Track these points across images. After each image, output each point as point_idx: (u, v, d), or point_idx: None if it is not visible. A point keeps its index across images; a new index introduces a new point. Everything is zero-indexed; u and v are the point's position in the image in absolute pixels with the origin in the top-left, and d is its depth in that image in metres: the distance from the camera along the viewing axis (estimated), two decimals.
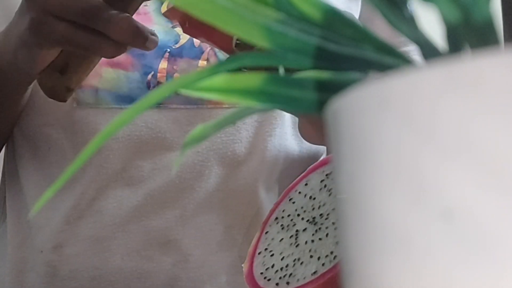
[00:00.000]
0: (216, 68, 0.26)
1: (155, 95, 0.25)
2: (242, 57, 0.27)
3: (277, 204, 0.51)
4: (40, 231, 0.78)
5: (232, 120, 0.29)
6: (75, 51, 0.62)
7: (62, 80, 0.64)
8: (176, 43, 0.78)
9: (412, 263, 0.21)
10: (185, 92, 0.28)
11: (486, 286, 0.20)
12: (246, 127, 0.80)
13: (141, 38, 0.59)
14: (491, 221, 0.20)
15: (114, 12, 0.58)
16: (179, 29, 0.78)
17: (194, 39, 0.78)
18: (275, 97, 0.27)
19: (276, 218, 0.50)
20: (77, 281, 0.77)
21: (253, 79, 0.27)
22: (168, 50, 0.77)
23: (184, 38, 0.78)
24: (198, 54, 0.78)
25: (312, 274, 0.46)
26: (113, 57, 0.61)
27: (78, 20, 0.59)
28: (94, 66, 0.65)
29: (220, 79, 0.27)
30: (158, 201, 0.78)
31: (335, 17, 0.27)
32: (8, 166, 0.84)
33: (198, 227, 0.78)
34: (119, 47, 0.60)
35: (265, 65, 0.28)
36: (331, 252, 0.46)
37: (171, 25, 0.78)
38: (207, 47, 0.77)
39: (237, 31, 0.27)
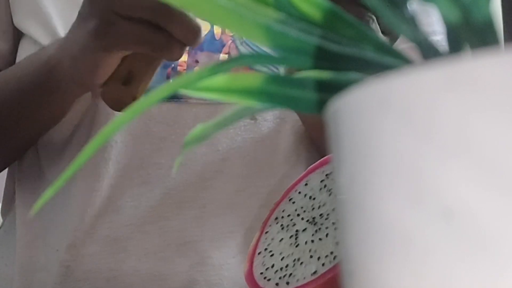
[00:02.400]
0: (216, 68, 0.26)
1: (155, 94, 0.25)
2: (242, 57, 0.27)
3: (277, 204, 0.51)
4: (55, 230, 0.76)
5: (232, 120, 0.29)
6: (140, 56, 0.60)
7: (128, 90, 0.61)
8: None
9: (412, 263, 0.21)
10: (186, 91, 0.28)
11: (486, 286, 0.20)
12: (268, 124, 0.77)
13: (200, 40, 0.58)
14: (491, 220, 0.20)
15: (182, 11, 0.56)
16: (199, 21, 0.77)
17: (215, 32, 0.76)
18: (275, 97, 0.27)
19: (276, 218, 0.50)
20: (91, 282, 0.74)
21: (253, 79, 0.27)
22: None
23: (205, 30, 0.77)
24: (219, 47, 0.76)
25: (312, 274, 0.46)
26: (177, 59, 0.60)
27: (151, 19, 0.57)
28: (155, 73, 0.63)
29: (220, 79, 0.27)
30: (176, 201, 0.75)
31: (335, 17, 0.27)
32: (20, 164, 0.81)
33: (217, 228, 0.75)
34: (183, 48, 0.59)
35: (265, 65, 0.28)
36: (331, 252, 0.46)
37: None
38: (228, 40, 0.76)
39: (237, 31, 0.27)
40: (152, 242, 0.75)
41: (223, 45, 0.76)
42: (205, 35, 0.76)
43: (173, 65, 0.75)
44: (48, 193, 0.26)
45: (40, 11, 0.78)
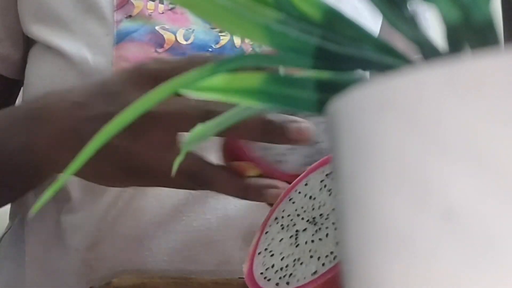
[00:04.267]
0: (216, 68, 0.26)
1: (155, 95, 0.25)
2: (242, 57, 0.27)
3: (277, 204, 0.51)
4: (76, 230, 0.76)
5: (232, 120, 0.29)
6: None
7: None
8: (217, 43, 0.76)
9: (414, 264, 0.21)
10: (185, 92, 0.28)
11: (488, 286, 0.20)
12: None
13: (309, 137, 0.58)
14: (494, 222, 0.20)
15: (283, 124, 0.57)
16: (218, 30, 0.77)
17: (235, 39, 0.76)
18: (275, 97, 0.27)
19: (276, 218, 0.50)
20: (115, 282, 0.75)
21: (253, 79, 0.27)
22: (210, 50, 0.75)
23: (225, 38, 0.76)
24: None
25: (312, 274, 0.46)
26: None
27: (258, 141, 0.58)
28: None
29: (220, 79, 0.27)
30: (199, 200, 0.75)
31: (335, 17, 0.27)
32: None
33: (241, 228, 0.76)
34: None
35: (265, 65, 0.28)
36: (331, 252, 0.46)
37: (209, 26, 0.77)
38: (248, 47, 0.76)
39: (237, 31, 0.27)
40: (176, 241, 0.75)
41: (244, 53, 0.76)
42: (225, 43, 0.76)
43: None
44: (48, 193, 0.26)
45: (51, 14, 0.78)
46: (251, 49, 0.76)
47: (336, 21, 0.27)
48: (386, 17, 0.27)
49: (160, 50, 0.76)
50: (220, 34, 0.77)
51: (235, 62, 0.27)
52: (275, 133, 0.56)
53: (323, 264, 0.46)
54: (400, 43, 0.29)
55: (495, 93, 0.20)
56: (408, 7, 0.26)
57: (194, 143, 0.28)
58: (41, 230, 0.78)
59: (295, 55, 0.27)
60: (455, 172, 0.20)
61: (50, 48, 0.78)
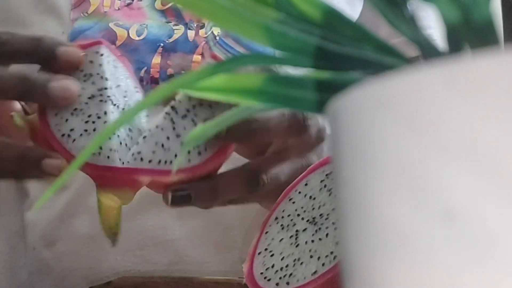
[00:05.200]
0: (216, 68, 0.26)
1: (153, 95, 0.25)
2: (243, 57, 0.27)
3: (277, 204, 0.51)
4: (33, 228, 0.77)
5: (232, 120, 0.29)
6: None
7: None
8: (170, 38, 0.76)
9: (413, 263, 0.21)
10: (185, 92, 0.28)
11: (487, 286, 0.20)
12: None
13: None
14: (493, 222, 0.20)
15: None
16: (173, 24, 0.77)
17: (188, 33, 0.77)
18: (275, 97, 0.27)
19: (276, 218, 0.50)
20: (70, 280, 0.76)
21: (253, 79, 0.27)
22: (162, 44, 0.75)
23: (178, 32, 0.76)
24: (193, 48, 0.76)
25: (312, 274, 0.46)
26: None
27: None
28: None
29: (220, 79, 0.27)
30: (154, 199, 0.76)
31: (335, 17, 0.27)
32: None
33: (195, 227, 0.77)
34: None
35: (265, 65, 0.28)
36: (331, 252, 0.46)
37: (164, 20, 0.77)
38: (201, 41, 0.76)
39: (237, 31, 0.27)
40: (130, 240, 0.75)
41: (197, 46, 0.76)
42: (178, 37, 0.76)
43: (146, 67, 0.75)
44: (48, 193, 0.26)
45: (12, 16, 0.78)
46: (204, 42, 0.75)
47: (336, 21, 0.27)
48: (386, 17, 0.27)
49: (112, 46, 0.76)
50: (174, 28, 0.76)
51: (235, 62, 0.27)
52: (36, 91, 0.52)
53: (323, 264, 0.46)
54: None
55: (495, 93, 0.20)
56: (408, 7, 0.26)
57: (195, 142, 0.28)
58: (7, 226, 0.79)
59: (295, 55, 0.27)
60: (454, 172, 0.20)
61: None
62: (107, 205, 0.52)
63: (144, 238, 0.75)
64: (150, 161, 0.47)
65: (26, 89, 0.53)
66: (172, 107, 0.48)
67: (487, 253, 0.20)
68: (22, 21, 0.78)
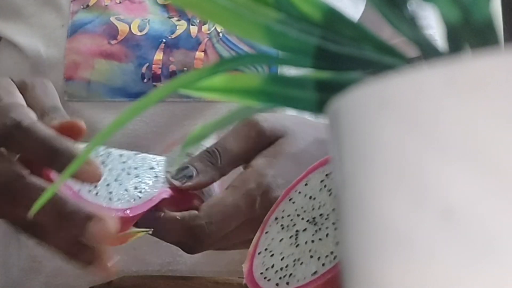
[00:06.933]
0: (216, 68, 0.26)
1: (155, 94, 0.25)
2: (243, 57, 0.27)
3: (277, 204, 0.51)
4: None
5: (232, 120, 0.29)
6: None
7: None
8: (172, 34, 0.75)
9: (413, 263, 0.21)
10: (185, 91, 0.28)
11: (488, 286, 0.20)
12: None
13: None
14: (493, 222, 0.20)
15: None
16: (175, 19, 0.76)
17: (191, 29, 0.76)
18: (275, 97, 0.27)
19: (276, 218, 0.50)
20: (61, 278, 0.75)
21: (253, 79, 0.27)
22: (164, 40, 0.74)
23: (181, 28, 0.75)
24: (195, 45, 0.76)
25: (312, 274, 0.45)
26: None
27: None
28: None
29: (220, 79, 0.27)
30: None
31: (335, 17, 0.27)
32: None
33: None
34: None
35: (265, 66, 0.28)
36: (331, 252, 0.46)
37: (167, 15, 0.77)
38: (204, 37, 0.76)
39: (237, 31, 0.27)
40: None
41: (199, 43, 0.75)
42: (181, 33, 0.76)
43: (147, 63, 0.75)
44: (47, 194, 0.26)
45: (12, 8, 0.77)
46: (207, 38, 0.75)
47: (336, 21, 0.27)
48: (386, 17, 0.27)
49: (113, 41, 0.75)
50: (176, 23, 0.75)
51: (235, 62, 0.27)
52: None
53: (323, 264, 0.46)
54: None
55: (495, 93, 0.20)
56: (408, 7, 0.26)
57: (194, 143, 0.28)
58: (2, 224, 0.79)
59: (295, 55, 0.27)
60: (454, 172, 0.20)
61: (9, 42, 0.78)
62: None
63: (138, 238, 0.75)
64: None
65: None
66: None
67: (487, 253, 0.20)
68: (20, 12, 0.77)
